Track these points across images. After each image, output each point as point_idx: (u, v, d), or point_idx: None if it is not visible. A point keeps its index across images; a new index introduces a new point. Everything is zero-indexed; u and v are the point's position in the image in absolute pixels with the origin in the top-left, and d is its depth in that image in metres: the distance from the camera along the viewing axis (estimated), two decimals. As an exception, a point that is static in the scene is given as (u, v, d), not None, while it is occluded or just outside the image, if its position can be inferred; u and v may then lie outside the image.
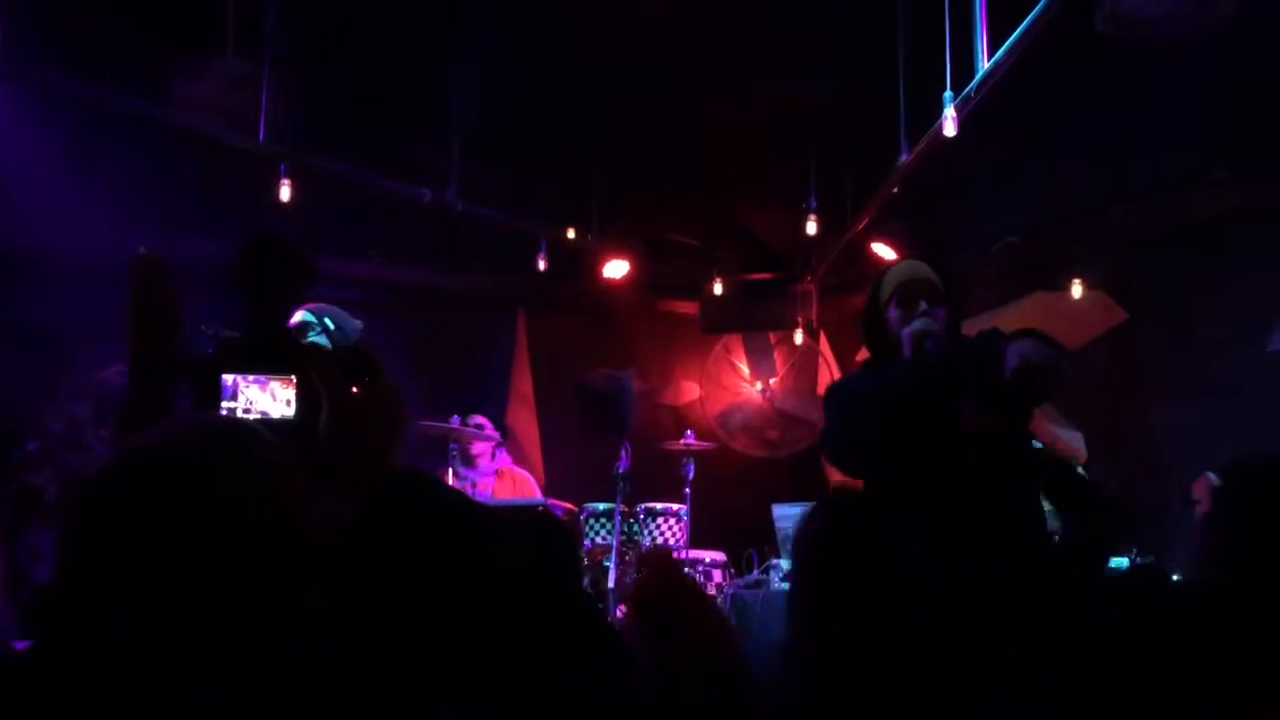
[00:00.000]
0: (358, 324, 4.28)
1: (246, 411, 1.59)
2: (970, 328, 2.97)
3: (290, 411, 1.57)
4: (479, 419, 6.19)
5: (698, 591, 2.42)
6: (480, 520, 1.47)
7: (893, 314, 2.89)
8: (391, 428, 1.55)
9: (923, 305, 2.85)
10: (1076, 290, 6.27)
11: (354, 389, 1.48)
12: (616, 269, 7.25)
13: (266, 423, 1.54)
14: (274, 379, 1.59)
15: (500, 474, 6.23)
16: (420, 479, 1.47)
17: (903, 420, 2.76)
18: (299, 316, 4.25)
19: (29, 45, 4.58)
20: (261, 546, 1.07)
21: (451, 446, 5.89)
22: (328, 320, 4.25)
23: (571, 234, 6.96)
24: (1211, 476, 4.19)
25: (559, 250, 6.92)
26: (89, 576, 1.05)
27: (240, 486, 1.09)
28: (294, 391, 1.58)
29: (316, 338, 4.21)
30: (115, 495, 1.08)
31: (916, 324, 2.82)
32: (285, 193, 5.38)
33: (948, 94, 4.22)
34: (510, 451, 6.65)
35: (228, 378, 1.61)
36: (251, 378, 1.60)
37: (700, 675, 1.83)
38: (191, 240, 6.08)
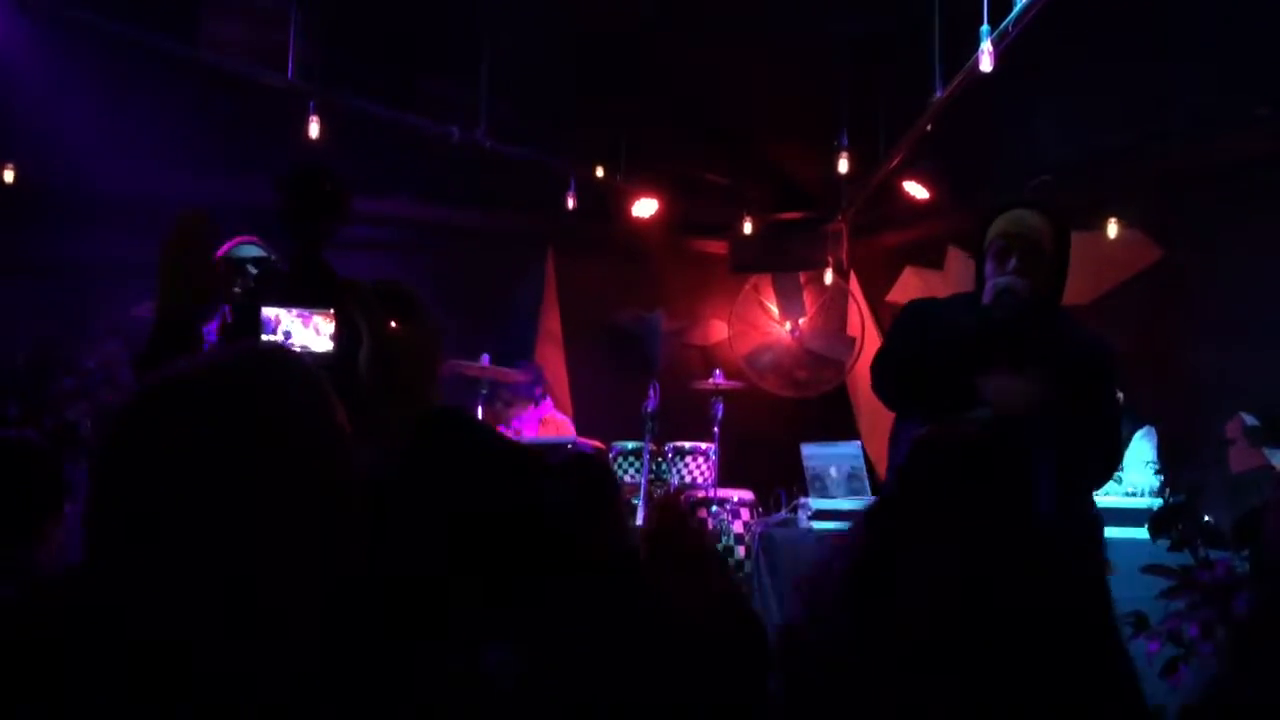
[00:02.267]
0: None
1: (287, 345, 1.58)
2: None
3: (330, 346, 1.55)
4: (526, 370, 6.21)
5: (703, 533, 2.50)
6: (522, 458, 1.46)
7: (989, 261, 2.87)
8: (430, 364, 1.50)
9: (1012, 262, 2.82)
10: (1112, 229, 6.20)
11: (393, 324, 1.46)
12: (645, 208, 7.21)
13: (308, 357, 1.52)
14: (315, 313, 1.57)
15: (544, 421, 6.25)
16: (461, 417, 1.47)
17: (949, 366, 2.80)
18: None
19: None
20: (302, 475, 1.05)
21: (480, 388, 5.91)
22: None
23: (600, 172, 6.91)
24: (1245, 417, 4.16)
25: (588, 189, 6.88)
26: (118, 507, 1.02)
27: (279, 411, 1.06)
28: (334, 326, 1.56)
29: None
30: (148, 421, 1.04)
31: (1001, 280, 2.82)
32: (314, 130, 5.38)
33: (984, 28, 4.15)
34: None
35: (269, 311, 1.59)
36: (294, 311, 1.58)
37: (711, 608, 1.85)
38: (220, 178, 6.11)
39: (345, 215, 1.77)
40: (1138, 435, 5.15)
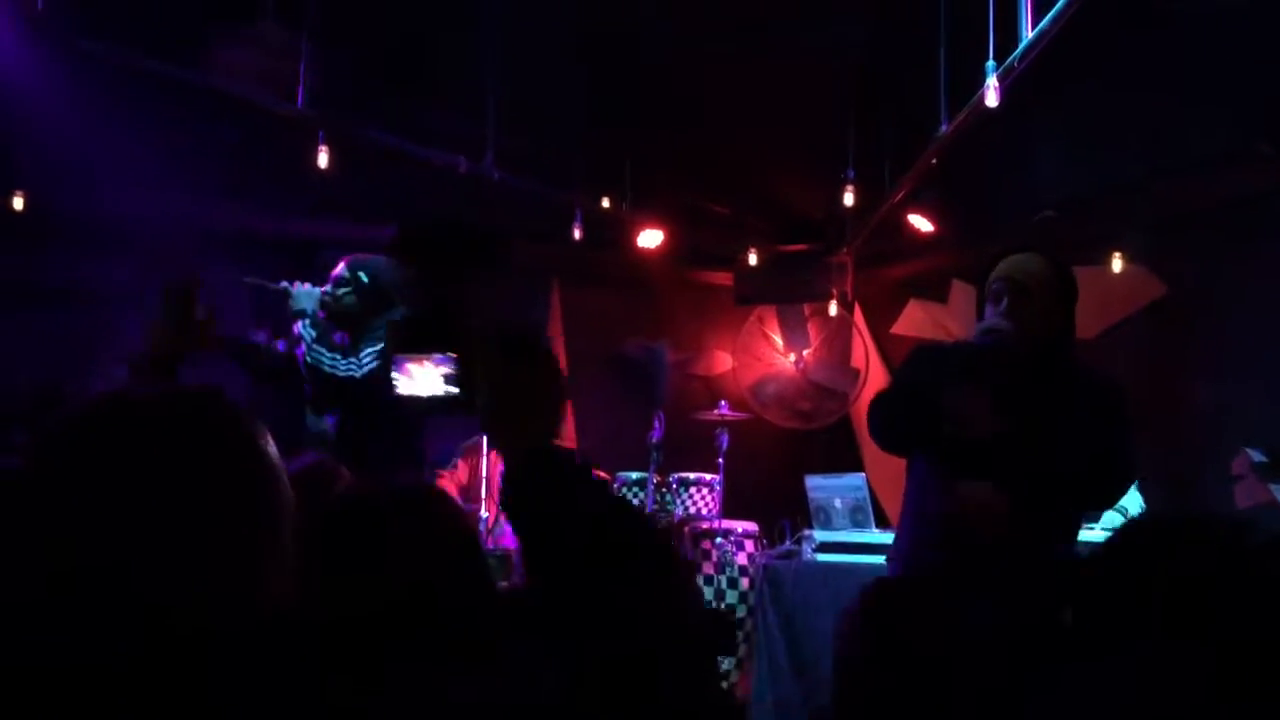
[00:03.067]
0: (402, 272, 4.29)
1: (412, 388, 1.75)
2: None
3: (455, 390, 1.73)
4: None
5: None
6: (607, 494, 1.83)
7: (987, 304, 2.99)
8: (544, 405, 1.72)
9: (1004, 304, 2.94)
10: (1116, 264, 6.21)
11: (511, 367, 1.66)
12: (651, 239, 7.23)
13: (432, 400, 1.74)
14: (437, 358, 1.72)
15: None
16: (560, 457, 1.73)
17: (930, 408, 2.91)
18: (336, 269, 4.28)
19: (68, 10, 4.61)
20: (217, 503, 1.08)
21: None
22: (360, 274, 4.25)
23: (606, 203, 6.94)
24: (1251, 453, 4.16)
25: (594, 220, 6.90)
26: (37, 519, 1.04)
27: (201, 441, 1.10)
28: (456, 371, 1.72)
29: (347, 295, 4.22)
30: (79, 438, 1.08)
31: (986, 322, 2.96)
32: (323, 159, 5.40)
33: (990, 63, 4.17)
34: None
35: (402, 355, 1.74)
36: (419, 357, 1.73)
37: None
38: (230, 206, 6.15)
39: (485, 263, 2.06)
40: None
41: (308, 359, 4.01)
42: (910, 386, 3.08)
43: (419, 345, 1.69)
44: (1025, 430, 2.87)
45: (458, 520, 1.53)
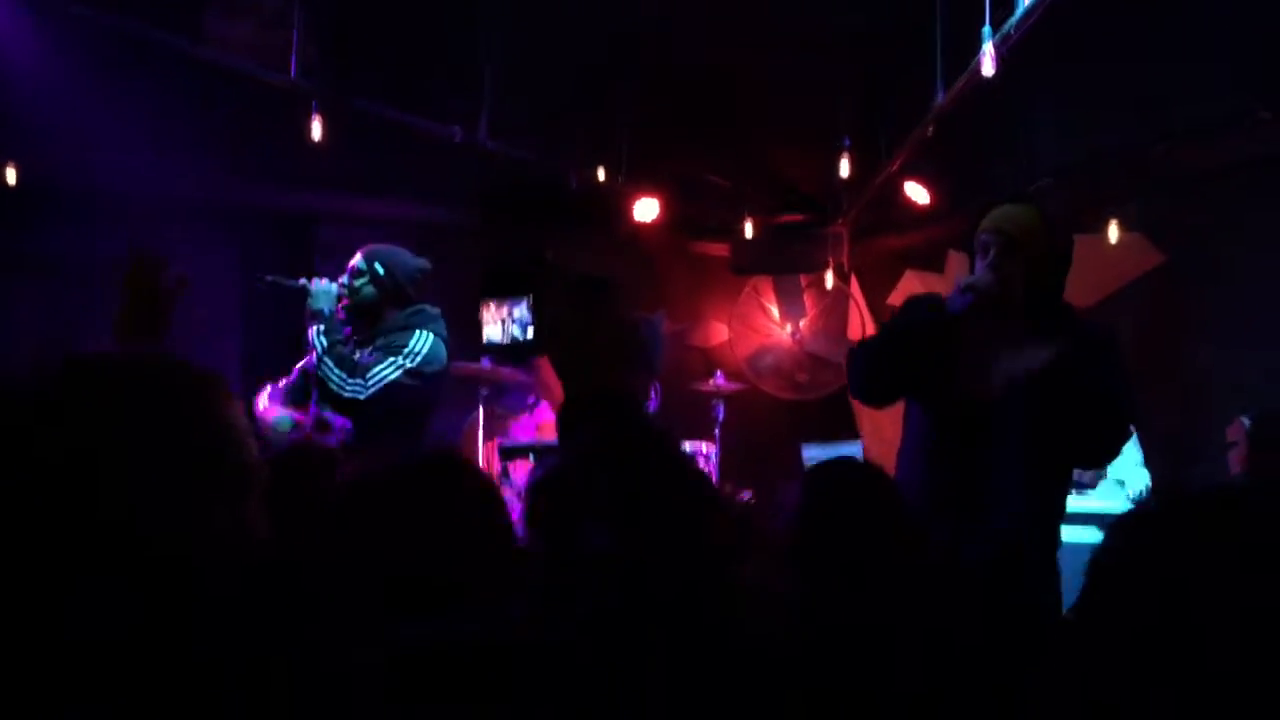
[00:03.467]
0: (418, 263, 4.27)
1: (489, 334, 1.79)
2: None
3: (522, 334, 1.77)
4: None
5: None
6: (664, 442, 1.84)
7: (977, 257, 3.00)
8: (609, 350, 1.82)
9: (991, 255, 2.94)
10: (1113, 233, 6.21)
11: (579, 313, 1.69)
12: (647, 210, 7.21)
13: (504, 348, 1.80)
14: (514, 301, 1.77)
15: (540, 427, 6.24)
16: (616, 398, 1.73)
17: (904, 356, 2.97)
18: (353, 260, 4.25)
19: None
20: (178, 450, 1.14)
21: (481, 390, 5.90)
22: (377, 265, 4.24)
23: (602, 174, 6.92)
24: (1245, 420, 4.17)
25: (589, 191, 6.88)
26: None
27: (165, 399, 1.17)
28: (530, 313, 1.77)
29: (365, 286, 4.21)
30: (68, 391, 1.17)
31: (969, 277, 2.97)
32: (317, 130, 5.38)
33: (986, 30, 4.15)
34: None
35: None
36: (497, 301, 1.77)
37: None
38: (223, 177, 6.13)
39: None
40: None
41: (317, 370, 3.99)
42: (896, 327, 3.11)
43: (500, 289, 1.73)
44: (1017, 381, 2.86)
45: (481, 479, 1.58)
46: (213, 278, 5.65)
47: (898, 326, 3.08)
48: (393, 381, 3.94)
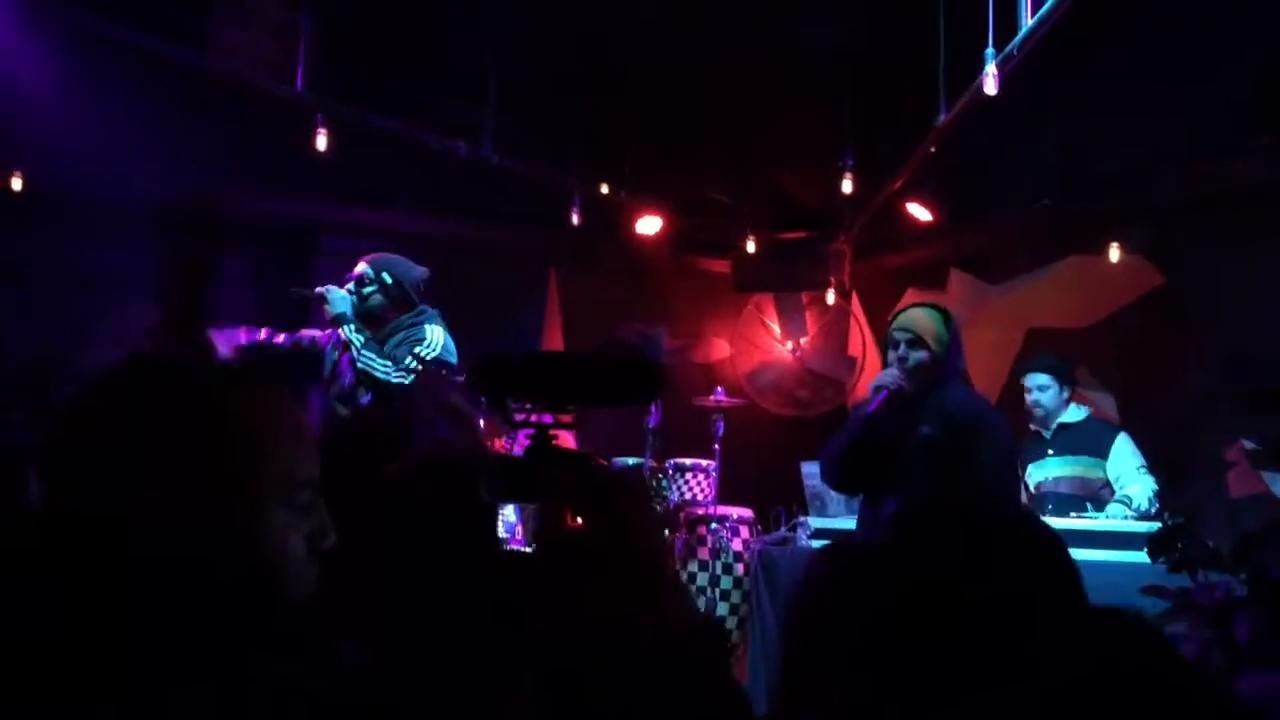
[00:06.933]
0: (420, 272, 4.40)
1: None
2: (1007, 291, 3.21)
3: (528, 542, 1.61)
4: None
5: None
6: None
7: (888, 353, 3.81)
8: (631, 561, 1.56)
9: (901, 352, 3.72)
10: (1114, 254, 6.22)
11: (583, 522, 1.51)
12: (649, 225, 7.23)
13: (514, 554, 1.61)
14: (522, 505, 1.65)
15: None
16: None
17: (854, 456, 3.76)
18: (358, 269, 4.37)
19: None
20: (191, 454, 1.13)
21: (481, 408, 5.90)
22: (385, 275, 4.34)
23: (605, 189, 6.94)
24: (1246, 443, 4.17)
25: (592, 206, 6.90)
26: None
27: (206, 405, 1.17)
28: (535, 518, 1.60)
29: (374, 294, 4.30)
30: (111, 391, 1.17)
31: (879, 376, 3.81)
32: (322, 142, 5.41)
33: (989, 51, 4.17)
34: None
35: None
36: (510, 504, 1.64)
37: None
38: (228, 188, 6.13)
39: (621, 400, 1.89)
40: (1119, 441, 5.17)
41: (358, 364, 4.20)
42: (843, 445, 3.85)
43: (510, 494, 1.61)
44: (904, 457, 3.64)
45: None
46: (218, 287, 5.67)
47: (843, 445, 3.82)
48: (415, 368, 4.21)
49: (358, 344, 4.22)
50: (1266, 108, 5.28)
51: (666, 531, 5.69)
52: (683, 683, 1.55)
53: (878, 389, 3.71)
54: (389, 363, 4.19)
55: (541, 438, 1.62)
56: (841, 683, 1.50)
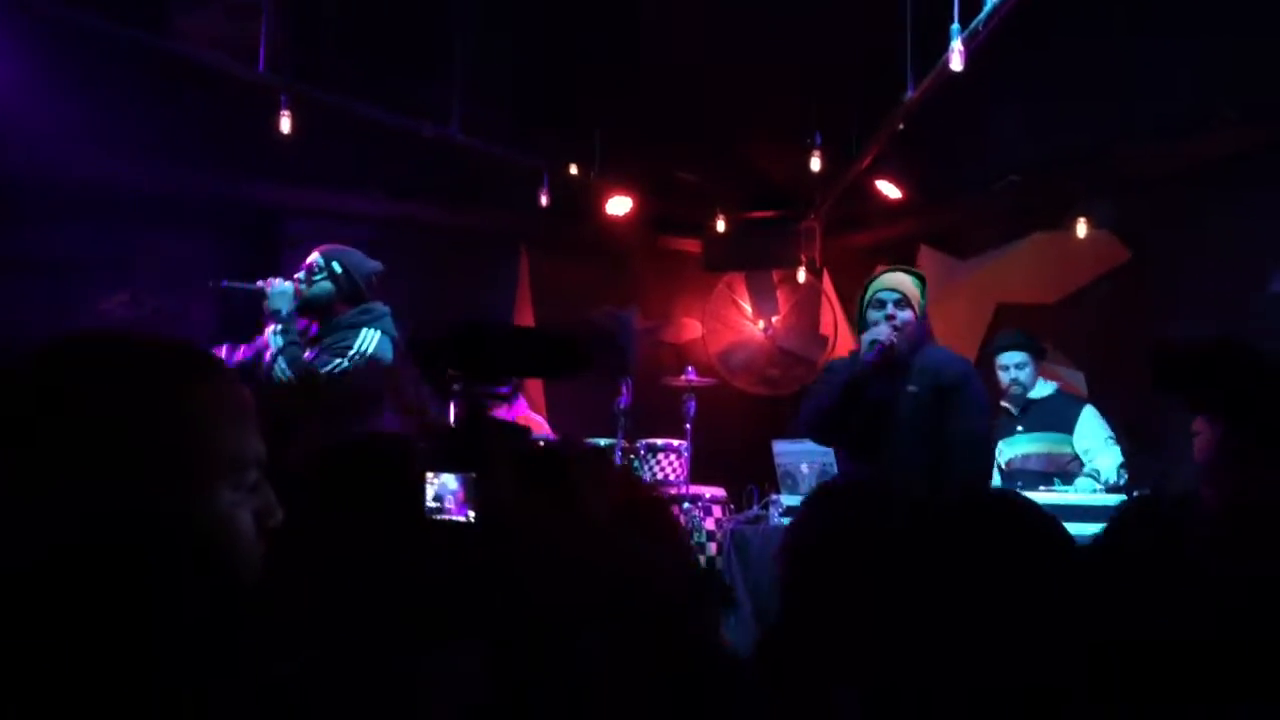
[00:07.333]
0: (373, 265, 4.31)
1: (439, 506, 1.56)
2: (977, 267, 3.25)
3: (470, 514, 1.53)
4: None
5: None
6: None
7: (870, 314, 3.94)
8: (563, 542, 1.54)
9: (889, 310, 3.87)
10: (1080, 229, 6.25)
11: (528, 498, 1.48)
12: (619, 206, 7.21)
13: (453, 524, 1.53)
14: (460, 476, 1.55)
15: (517, 422, 6.24)
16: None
17: (845, 406, 3.84)
18: (310, 258, 4.28)
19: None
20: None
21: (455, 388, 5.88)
22: (335, 264, 4.27)
23: (574, 170, 6.91)
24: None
25: (562, 187, 6.87)
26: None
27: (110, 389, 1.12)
28: (475, 491, 1.53)
29: (322, 281, 4.23)
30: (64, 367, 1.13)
31: (873, 331, 3.87)
32: (285, 125, 5.35)
33: (955, 27, 4.18)
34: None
35: (429, 475, 1.57)
36: (443, 474, 1.56)
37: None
38: (191, 172, 6.07)
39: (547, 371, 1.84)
40: (1085, 413, 5.23)
41: (271, 368, 4.03)
42: (836, 389, 3.92)
43: (442, 463, 1.56)
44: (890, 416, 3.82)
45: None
46: (182, 272, 5.61)
47: (835, 395, 3.89)
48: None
49: (276, 347, 4.04)
50: (1230, 82, 5.31)
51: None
52: (655, 639, 1.56)
53: (873, 342, 3.83)
54: (294, 375, 4.01)
55: (476, 407, 1.61)
56: (838, 605, 1.59)
